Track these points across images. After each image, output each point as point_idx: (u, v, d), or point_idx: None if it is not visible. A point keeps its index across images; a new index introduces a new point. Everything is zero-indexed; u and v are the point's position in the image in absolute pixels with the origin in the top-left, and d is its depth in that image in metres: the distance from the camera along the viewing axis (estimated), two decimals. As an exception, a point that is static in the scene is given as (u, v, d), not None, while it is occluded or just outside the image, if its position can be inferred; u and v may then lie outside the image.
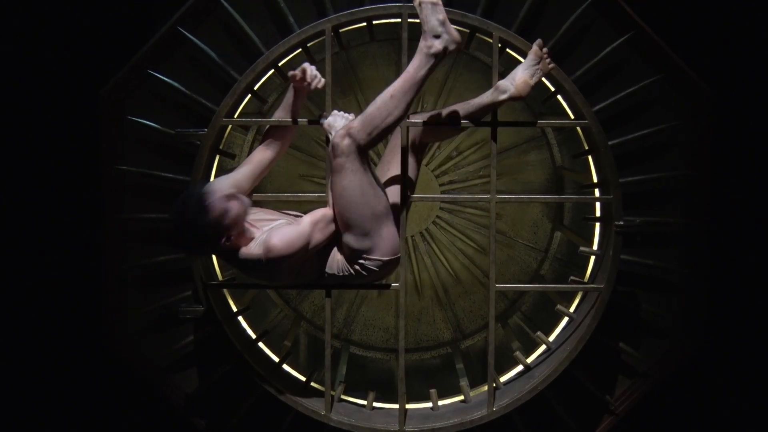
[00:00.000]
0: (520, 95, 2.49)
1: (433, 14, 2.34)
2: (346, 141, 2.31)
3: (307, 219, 2.41)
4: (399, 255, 2.49)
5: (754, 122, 3.10)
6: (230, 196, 2.31)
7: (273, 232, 2.36)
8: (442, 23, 2.33)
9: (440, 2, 2.35)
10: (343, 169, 2.32)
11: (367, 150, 2.36)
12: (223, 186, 2.33)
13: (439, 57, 2.34)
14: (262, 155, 2.53)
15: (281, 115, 2.54)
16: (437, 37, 2.33)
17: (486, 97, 2.53)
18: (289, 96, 2.53)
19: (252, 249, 2.35)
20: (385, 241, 2.43)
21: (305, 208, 2.56)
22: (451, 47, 2.35)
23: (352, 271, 2.46)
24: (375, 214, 2.39)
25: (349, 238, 2.40)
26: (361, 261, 2.43)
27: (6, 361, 3.12)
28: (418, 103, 3.13)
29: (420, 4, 2.34)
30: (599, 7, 2.69)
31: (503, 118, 2.60)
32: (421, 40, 2.36)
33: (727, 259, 3.08)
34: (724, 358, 3.13)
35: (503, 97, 2.50)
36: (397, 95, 2.34)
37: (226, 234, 2.30)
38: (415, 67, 2.34)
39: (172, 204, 2.31)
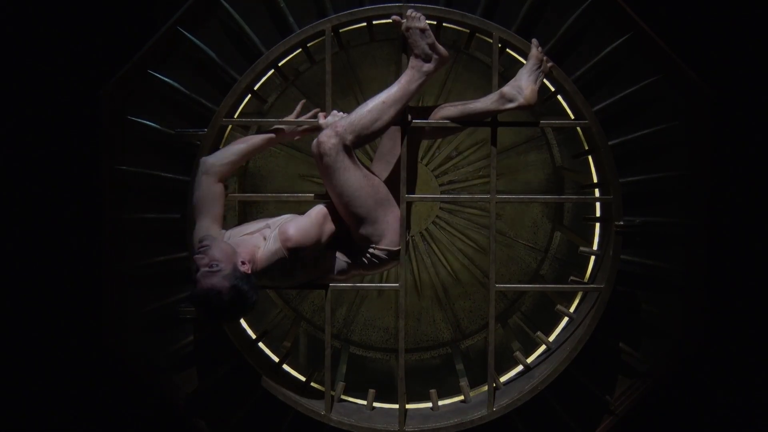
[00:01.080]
0: (529, 104, 2.50)
1: (422, 40, 2.45)
2: (333, 140, 2.35)
3: (317, 211, 2.48)
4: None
5: (754, 122, 3.10)
6: (218, 246, 2.34)
7: (287, 224, 2.41)
8: (432, 46, 2.45)
9: (428, 27, 2.46)
10: (335, 170, 2.36)
11: (353, 150, 2.39)
12: (222, 248, 2.35)
13: (430, 75, 2.46)
14: (221, 189, 2.52)
15: (247, 147, 2.57)
16: (428, 60, 2.44)
17: (490, 104, 2.52)
18: (268, 139, 2.61)
19: (267, 247, 2.39)
20: (392, 227, 2.49)
21: (305, 208, 2.56)
22: (441, 66, 2.47)
23: (365, 260, 2.50)
24: (378, 202, 2.45)
25: (361, 230, 2.45)
26: (371, 250, 2.48)
27: (6, 361, 3.12)
28: (417, 102, 3.13)
29: (408, 30, 2.40)
30: (599, 7, 2.69)
31: (503, 118, 2.60)
32: (411, 58, 2.47)
33: (727, 259, 3.08)
34: (724, 358, 3.13)
35: (510, 105, 2.50)
36: (389, 102, 2.42)
37: (240, 262, 2.34)
38: (407, 80, 2.45)
39: (203, 304, 2.31)
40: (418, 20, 2.45)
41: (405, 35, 2.47)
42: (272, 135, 2.62)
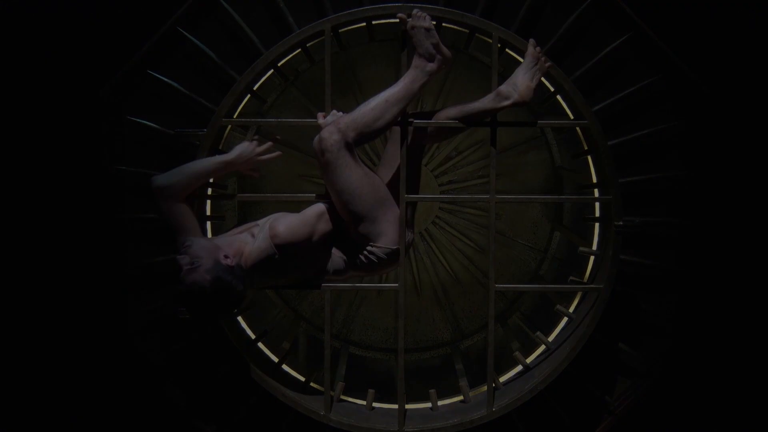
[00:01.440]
0: (524, 101, 2.51)
1: (427, 39, 2.46)
2: (336, 137, 2.35)
3: (312, 209, 2.48)
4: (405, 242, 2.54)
5: (754, 122, 3.10)
6: (198, 243, 2.35)
7: (278, 220, 2.42)
8: (436, 46, 2.46)
9: (433, 27, 2.47)
10: (337, 167, 2.36)
11: (354, 148, 2.39)
12: (202, 246, 2.36)
13: (433, 75, 2.47)
14: (184, 206, 2.47)
15: (199, 169, 2.48)
16: (431, 59, 2.44)
17: (487, 103, 2.53)
18: (223, 163, 2.52)
19: (257, 243, 2.40)
20: (392, 226, 2.49)
21: (304, 208, 2.56)
22: (444, 67, 2.48)
23: (363, 258, 2.49)
24: (378, 201, 2.45)
25: (360, 228, 2.45)
26: (369, 247, 2.47)
27: (5, 362, 3.12)
28: (417, 103, 3.13)
29: (413, 28, 2.41)
30: (599, 7, 2.69)
31: (502, 118, 2.60)
32: (415, 57, 2.47)
33: (727, 258, 3.07)
34: (724, 358, 3.13)
35: (506, 103, 2.51)
36: (391, 100, 2.42)
37: (222, 256, 2.33)
38: (410, 79, 2.45)
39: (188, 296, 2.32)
40: (423, 19, 2.46)
41: (410, 34, 2.48)
42: (228, 159, 2.52)
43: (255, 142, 2.58)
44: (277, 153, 2.62)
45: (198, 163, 2.50)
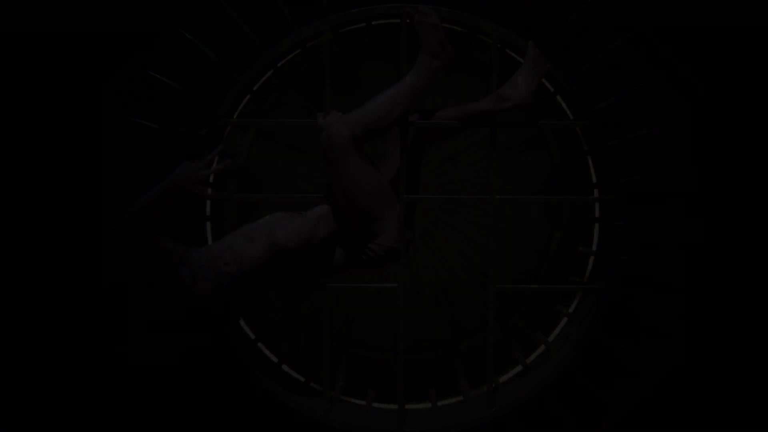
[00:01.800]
0: (525, 103, 2.52)
1: (433, 35, 2.46)
2: (345, 133, 2.35)
3: (312, 213, 2.47)
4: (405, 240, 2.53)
5: (754, 122, 3.10)
6: (197, 253, 2.36)
7: (276, 225, 2.41)
8: (441, 43, 2.46)
9: (440, 24, 2.46)
10: (344, 163, 2.36)
11: (362, 144, 2.39)
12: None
13: (438, 72, 2.47)
14: (156, 242, 2.38)
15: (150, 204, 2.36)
16: (437, 56, 2.45)
17: (488, 104, 2.54)
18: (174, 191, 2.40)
19: (256, 248, 2.39)
20: (394, 224, 2.48)
21: (304, 208, 2.56)
22: (448, 65, 2.48)
23: (363, 257, 2.49)
24: (382, 198, 2.44)
25: (363, 225, 2.44)
26: (370, 246, 2.47)
27: (4, 363, 3.12)
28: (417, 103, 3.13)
29: (419, 24, 2.42)
30: (599, 7, 2.69)
31: (502, 118, 2.61)
32: (420, 54, 2.47)
33: (727, 258, 3.07)
34: (724, 359, 3.13)
35: (506, 105, 2.53)
36: (397, 98, 2.43)
37: (222, 264, 2.34)
38: (415, 76, 2.45)
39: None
40: (430, 16, 2.47)
41: (416, 30, 2.48)
42: (169, 182, 2.37)
43: (197, 161, 2.48)
44: (227, 163, 2.55)
45: (144, 198, 2.37)
